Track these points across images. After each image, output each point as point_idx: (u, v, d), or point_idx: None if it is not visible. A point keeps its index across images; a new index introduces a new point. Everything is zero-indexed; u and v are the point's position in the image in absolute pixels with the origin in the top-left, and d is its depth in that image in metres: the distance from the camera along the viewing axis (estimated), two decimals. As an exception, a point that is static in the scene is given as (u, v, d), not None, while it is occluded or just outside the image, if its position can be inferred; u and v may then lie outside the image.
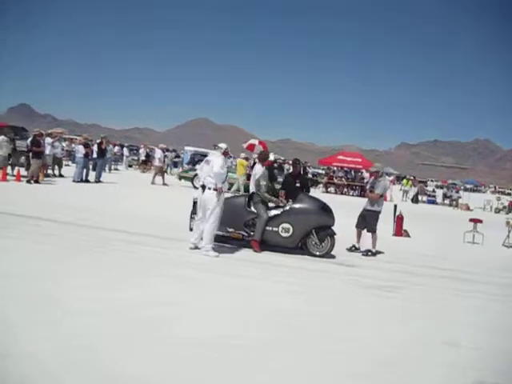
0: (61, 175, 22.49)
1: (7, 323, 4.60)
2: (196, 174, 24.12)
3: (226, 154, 9.16)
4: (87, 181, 21.30)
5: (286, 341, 4.92)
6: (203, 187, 8.84)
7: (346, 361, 4.57)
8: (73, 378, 3.73)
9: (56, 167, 22.65)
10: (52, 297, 5.47)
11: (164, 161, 26.59)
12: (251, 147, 24.86)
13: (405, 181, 39.87)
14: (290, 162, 15.43)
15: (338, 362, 4.51)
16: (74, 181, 20.61)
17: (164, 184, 24.57)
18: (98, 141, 24.04)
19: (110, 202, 15.20)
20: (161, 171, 25.34)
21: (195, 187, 22.88)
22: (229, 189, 16.86)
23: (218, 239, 9.68)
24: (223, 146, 9.18)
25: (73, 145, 25.63)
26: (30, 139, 20.12)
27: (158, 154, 25.60)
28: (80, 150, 21.14)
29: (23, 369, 3.77)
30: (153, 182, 24.48)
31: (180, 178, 25.95)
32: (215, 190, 8.71)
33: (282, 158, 42.74)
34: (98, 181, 21.84)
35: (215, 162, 8.80)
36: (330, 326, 5.59)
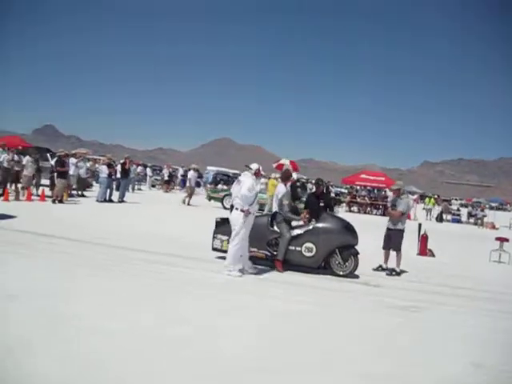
0: (83, 195, 22.69)
1: (20, 342, 4.59)
2: (226, 195, 24.18)
3: (257, 174, 9.08)
4: (111, 201, 21.50)
5: (308, 363, 4.84)
6: (232, 207, 8.86)
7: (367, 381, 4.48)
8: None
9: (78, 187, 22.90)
10: (65, 315, 5.47)
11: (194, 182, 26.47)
12: (280, 166, 24.88)
13: (427, 199, 39.23)
14: (313, 181, 15.46)
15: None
16: (97, 200, 20.82)
17: (188, 204, 24.65)
18: (122, 161, 24.30)
19: (134, 222, 15.31)
20: (192, 192, 25.43)
21: (225, 208, 22.89)
22: (261, 210, 16.79)
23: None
24: (255, 166, 9.11)
25: (96, 165, 26.02)
26: (54, 160, 20.42)
27: (190, 174, 25.67)
28: (104, 170, 21.38)
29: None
30: (184, 202, 24.78)
31: (210, 198, 25.73)
32: (242, 211, 8.70)
33: (305, 178, 42.60)
34: (121, 201, 22.02)
35: (245, 183, 8.79)
36: (353, 347, 5.48)
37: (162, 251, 10.20)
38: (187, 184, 25.97)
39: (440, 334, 6.39)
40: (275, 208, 10.29)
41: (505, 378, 4.94)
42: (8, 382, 3.78)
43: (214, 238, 10.03)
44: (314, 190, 10.93)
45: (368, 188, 37.59)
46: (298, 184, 10.25)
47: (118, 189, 23.31)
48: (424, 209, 37.45)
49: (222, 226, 9.98)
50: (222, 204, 24.20)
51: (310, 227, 9.55)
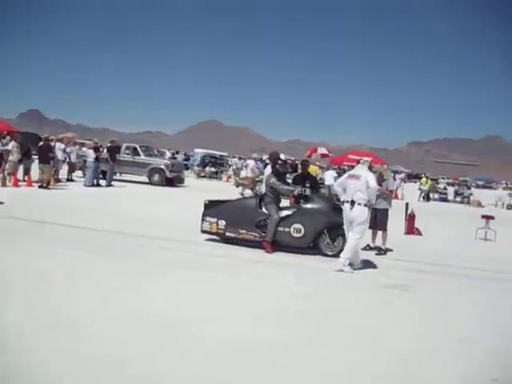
0: (71, 179, 22.53)
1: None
2: (257, 181, 22.87)
3: (370, 167, 9.15)
4: (98, 185, 21.42)
5: (305, 342, 4.92)
6: (352, 203, 8.57)
7: (361, 359, 4.58)
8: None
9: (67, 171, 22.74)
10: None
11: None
12: (312, 153, 24.91)
13: (424, 180, 37.01)
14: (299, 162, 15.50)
15: (354, 363, 4.52)
16: (85, 185, 20.71)
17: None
18: (108, 144, 24.17)
19: (126, 206, 15.37)
20: (252, 182, 23.39)
21: (256, 194, 22.30)
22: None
23: (229, 241, 9.77)
24: (368, 159, 9.19)
25: (83, 149, 25.75)
26: (40, 145, 20.25)
27: (251, 164, 24.52)
28: (90, 155, 21.24)
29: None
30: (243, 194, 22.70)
31: (238, 184, 24.61)
32: (366, 205, 8.60)
33: (292, 158, 42.69)
34: (109, 185, 21.96)
35: (369, 177, 8.73)
36: (347, 324, 5.59)
37: (157, 235, 10.25)
38: (248, 174, 24.51)
39: (430, 311, 6.51)
40: (264, 190, 10.33)
41: (486, 353, 5.06)
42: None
43: (203, 220, 10.08)
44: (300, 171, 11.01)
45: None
46: (279, 162, 10.25)
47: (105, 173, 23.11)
48: (419, 189, 35.74)
49: (211, 208, 10.05)
50: (252, 191, 23.01)
51: (298, 208, 9.64)
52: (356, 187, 8.61)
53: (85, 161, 22.24)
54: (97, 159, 21.27)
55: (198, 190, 23.15)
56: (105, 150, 23.78)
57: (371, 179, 8.69)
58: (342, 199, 8.92)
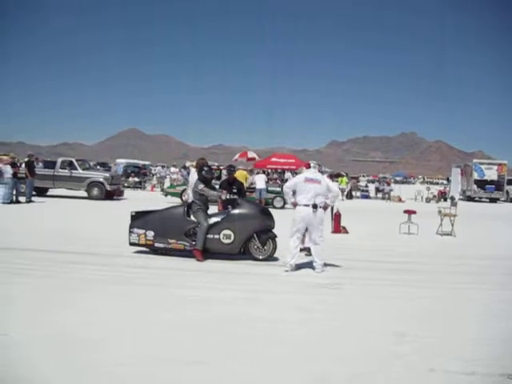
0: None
1: None
2: (185, 189, 22.85)
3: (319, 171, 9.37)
4: (18, 202, 20.57)
5: (257, 350, 4.91)
6: (315, 206, 8.72)
7: (306, 363, 4.62)
8: None
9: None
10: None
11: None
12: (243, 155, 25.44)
13: (340, 179, 37.80)
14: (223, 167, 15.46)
15: (300, 366, 4.55)
16: (3, 203, 19.82)
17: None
18: (26, 159, 23.31)
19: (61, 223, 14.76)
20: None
21: (184, 202, 21.75)
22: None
23: (159, 252, 9.65)
24: (316, 163, 9.50)
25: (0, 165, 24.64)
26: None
27: (174, 173, 24.11)
28: (8, 171, 20.41)
29: None
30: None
31: (166, 194, 24.56)
32: (324, 208, 8.93)
33: (216, 164, 42.73)
34: (29, 201, 21.11)
35: (329, 181, 9.16)
36: (289, 329, 5.59)
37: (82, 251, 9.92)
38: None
39: (365, 308, 6.64)
40: (191, 197, 10.24)
41: (427, 345, 5.19)
42: None
43: (130, 232, 9.84)
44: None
45: (279, 171, 38.09)
46: (205, 168, 10.12)
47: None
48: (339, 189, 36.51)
49: (138, 219, 9.84)
50: (181, 199, 22.63)
51: (227, 214, 9.62)
52: (317, 191, 8.78)
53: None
54: (15, 175, 20.48)
55: (140, 201, 22.69)
56: (23, 165, 22.90)
57: (331, 184, 9.11)
58: (291, 201, 9.12)
